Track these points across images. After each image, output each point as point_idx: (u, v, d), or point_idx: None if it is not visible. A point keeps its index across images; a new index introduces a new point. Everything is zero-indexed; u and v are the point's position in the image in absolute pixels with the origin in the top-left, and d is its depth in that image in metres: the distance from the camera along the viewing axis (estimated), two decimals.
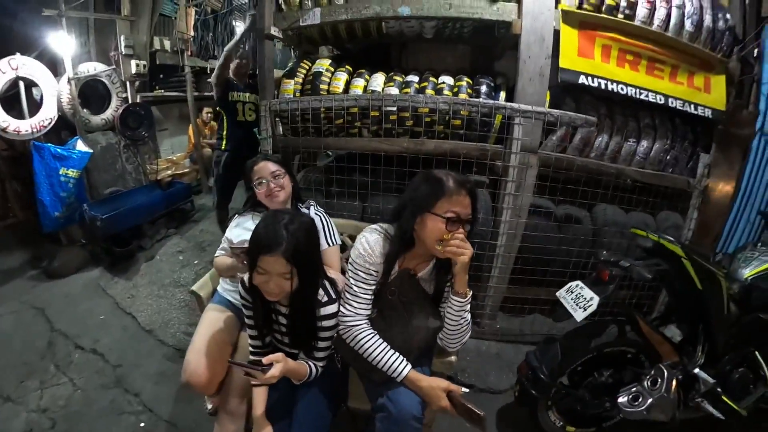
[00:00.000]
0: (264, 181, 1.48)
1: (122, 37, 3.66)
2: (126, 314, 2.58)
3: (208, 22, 6.01)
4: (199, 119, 4.92)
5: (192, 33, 5.12)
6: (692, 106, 2.29)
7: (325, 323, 1.16)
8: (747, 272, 1.65)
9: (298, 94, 2.29)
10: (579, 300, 1.47)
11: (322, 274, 1.21)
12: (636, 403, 1.50)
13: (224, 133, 3.05)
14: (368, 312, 1.21)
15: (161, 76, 4.67)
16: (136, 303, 2.68)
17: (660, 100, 2.19)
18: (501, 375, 2.08)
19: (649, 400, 1.47)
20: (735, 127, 2.38)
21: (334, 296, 1.18)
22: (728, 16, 2.37)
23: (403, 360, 1.16)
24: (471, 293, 1.18)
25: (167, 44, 4.37)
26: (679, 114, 2.31)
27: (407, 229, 1.15)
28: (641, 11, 2.15)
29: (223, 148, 3.06)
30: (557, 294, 1.57)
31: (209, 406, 1.47)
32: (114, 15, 3.70)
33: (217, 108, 3.39)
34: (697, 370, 1.52)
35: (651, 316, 2.23)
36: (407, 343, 1.20)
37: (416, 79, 2.23)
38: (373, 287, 1.20)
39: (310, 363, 1.18)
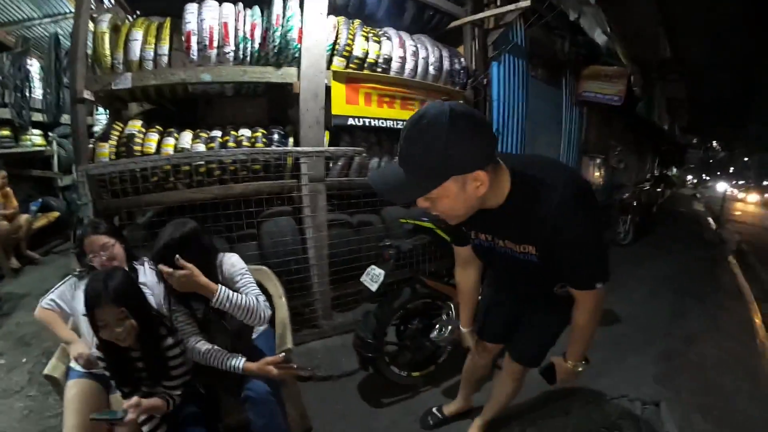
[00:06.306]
0: (95, 255, 1.53)
1: None
2: None
3: None
4: None
5: None
6: None
7: (170, 353, 1.36)
8: None
9: (113, 157, 2.34)
10: (374, 278, 1.97)
11: (155, 312, 1.39)
12: (443, 332, 2.03)
13: None
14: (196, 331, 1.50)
15: None
16: None
17: None
18: (351, 359, 2.30)
19: (449, 327, 2.03)
20: None
21: (171, 329, 1.39)
22: (462, 60, 3.39)
23: (236, 356, 1.45)
24: (220, 291, 1.36)
25: None
26: None
27: None
28: (395, 65, 2.94)
29: None
30: (361, 279, 2.03)
31: None
32: None
33: None
34: None
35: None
36: (231, 343, 1.51)
37: (219, 134, 2.54)
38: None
39: (167, 396, 1.35)
